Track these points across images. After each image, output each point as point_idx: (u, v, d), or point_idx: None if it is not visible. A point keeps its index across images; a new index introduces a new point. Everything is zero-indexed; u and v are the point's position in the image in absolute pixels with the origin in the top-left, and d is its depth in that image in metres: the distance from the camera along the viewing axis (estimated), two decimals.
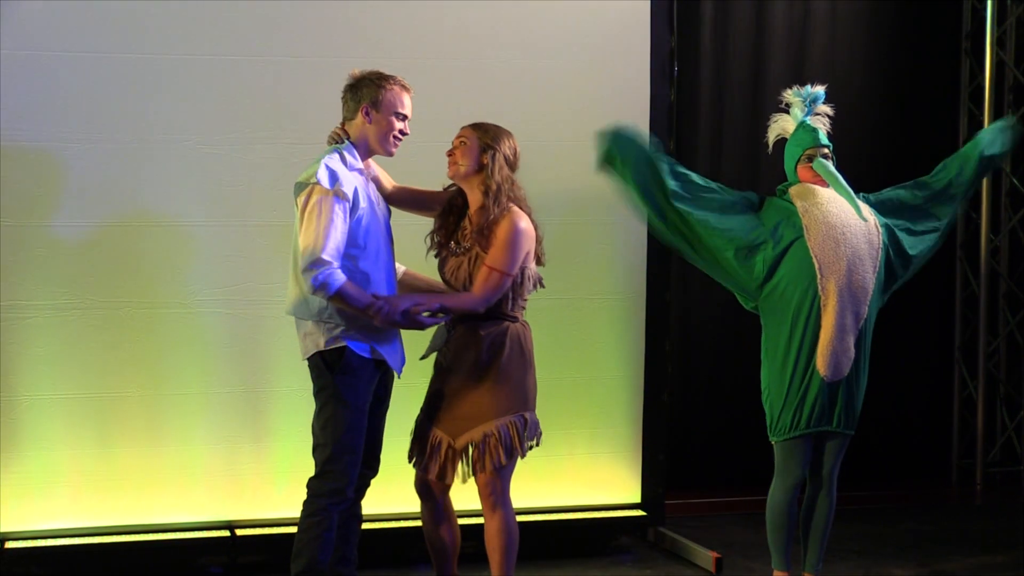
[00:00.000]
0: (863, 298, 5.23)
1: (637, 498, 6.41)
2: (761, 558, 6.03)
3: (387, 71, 4.89)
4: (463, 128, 4.95)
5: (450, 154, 4.93)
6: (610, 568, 6.17)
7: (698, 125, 7.57)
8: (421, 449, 4.96)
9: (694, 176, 5.31)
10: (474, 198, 4.94)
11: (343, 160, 4.78)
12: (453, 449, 4.89)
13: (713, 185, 5.33)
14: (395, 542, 5.87)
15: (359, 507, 4.98)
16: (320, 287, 4.62)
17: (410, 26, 5.97)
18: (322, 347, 4.77)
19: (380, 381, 4.90)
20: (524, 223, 4.87)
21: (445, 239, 4.99)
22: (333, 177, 4.68)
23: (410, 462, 5.00)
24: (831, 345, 5.19)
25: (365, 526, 5.07)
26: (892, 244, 5.34)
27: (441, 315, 4.83)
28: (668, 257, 6.40)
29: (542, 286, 5.05)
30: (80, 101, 5.64)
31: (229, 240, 5.81)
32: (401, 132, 4.87)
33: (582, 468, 6.35)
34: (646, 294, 6.35)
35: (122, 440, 5.76)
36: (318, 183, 4.65)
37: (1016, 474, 8.01)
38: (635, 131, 5.29)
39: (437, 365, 5.00)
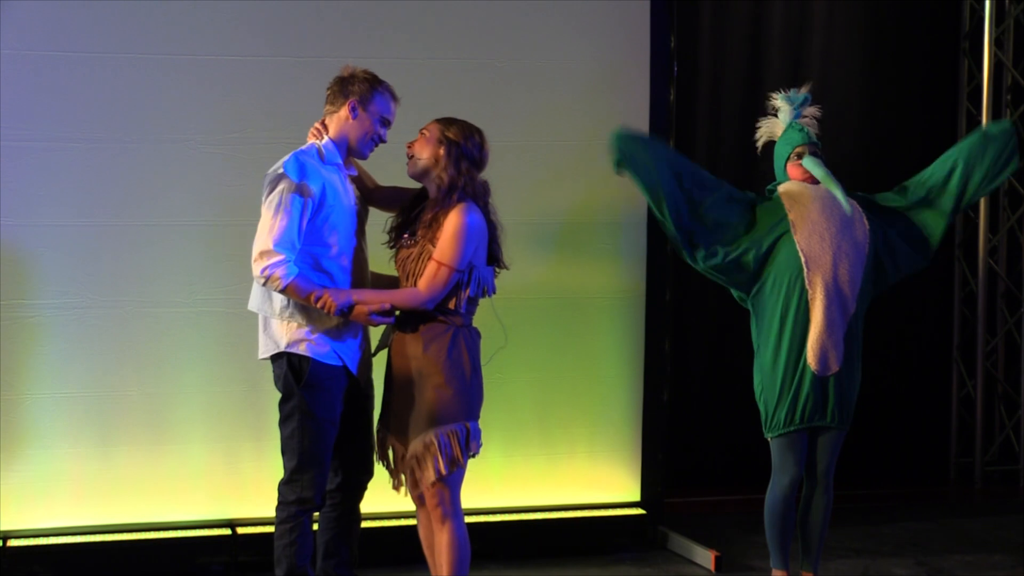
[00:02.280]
0: (850, 293, 5.27)
1: (637, 497, 6.42)
2: (760, 556, 6.05)
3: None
4: (430, 121, 4.84)
5: (409, 146, 4.81)
6: (610, 567, 6.19)
7: (696, 125, 7.58)
8: (383, 454, 4.89)
9: (704, 174, 5.37)
10: (431, 193, 4.81)
11: (319, 155, 4.74)
12: (403, 458, 4.80)
13: (717, 183, 5.39)
14: (395, 541, 5.88)
15: (357, 509, 4.98)
16: (268, 280, 4.60)
17: (410, 26, 5.98)
18: (282, 348, 4.72)
19: (356, 385, 4.84)
20: (474, 217, 4.70)
21: (400, 230, 4.86)
22: (301, 171, 4.64)
23: (381, 464, 4.93)
24: (820, 339, 5.22)
25: (365, 525, 5.08)
26: (883, 241, 5.36)
27: (389, 314, 4.70)
28: (667, 257, 6.42)
29: (490, 293, 4.84)
30: (80, 101, 5.65)
31: (229, 240, 5.81)
32: (381, 138, 4.84)
33: (582, 467, 6.36)
34: (645, 294, 6.36)
35: (123, 439, 5.77)
36: (284, 175, 4.63)
37: (1014, 473, 8.02)
38: (641, 134, 5.33)
39: (387, 365, 4.88)
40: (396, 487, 4.87)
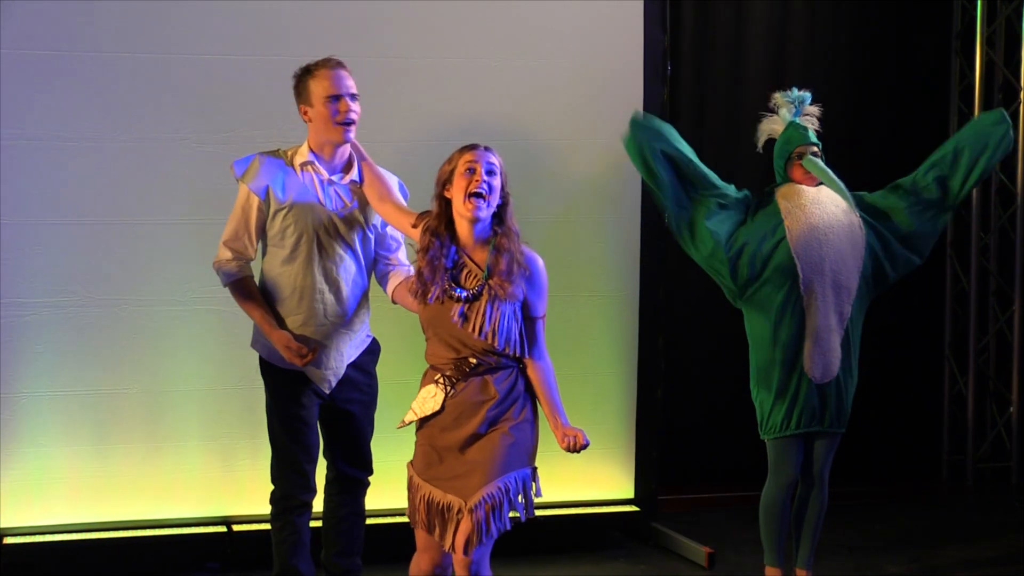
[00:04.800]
0: (847, 298, 5.28)
1: (630, 494, 6.45)
2: (754, 553, 6.06)
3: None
4: (489, 154, 4.32)
5: (480, 189, 4.26)
6: (603, 563, 6.21)
7: (681, 124, 7.59)
8: (428, 515, 4.38)
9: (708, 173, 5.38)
10: (467, 230, 4.33)
11: (285, 156, 4.74)
12: (463, 512, 4.28)
13: (719, 183, 5.40)
14: (397, 538, 5.90)
15: (360, 505, 5.00)
16: (217, 273, 4.77)
17: (406, 26, 6.00)
18: (251, 345, 4.87)
19: (338, 389, 4.83)
20: None
21: (432, 277, 4.33)
22: (246, 166, 4.72)
23: (411, 524, 4.47)
24: (817, 346, 5.23)
25: (370, 522, 5.11)
26: (878, 243, 5.38)
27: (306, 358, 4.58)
28: (661, 254, 6.44)
29: None
30: (76, 100, 5.66)
31: None
32: (343, 114, 4.59)
33: (576, 464, 6.31)
34: (639, 291, 6.39)
35: (120, 437, 5.79)
36: (233, 168, 4.75)
37: (1006, 470, 8.04)
38: (656, 122, 5.34)
39: (435, 424, 4.38)
40: (464, 550, 4.28)
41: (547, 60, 6.21)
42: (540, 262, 4.39)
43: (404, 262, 4.92)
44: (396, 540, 5.83)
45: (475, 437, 4.31)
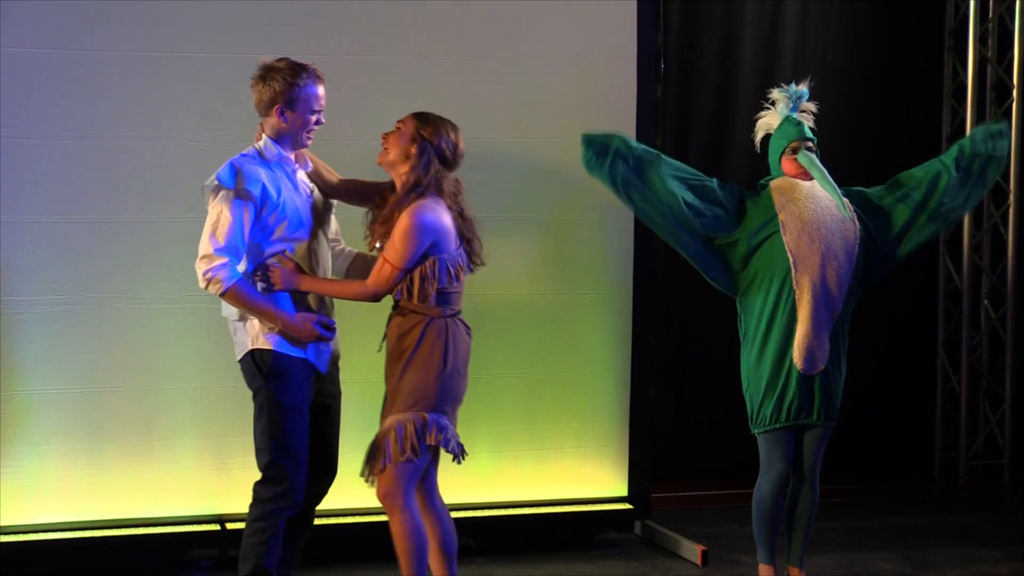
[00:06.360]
0: (838, 293, 5.28)
1: (624, 492, 6.44)
2: (747, 551, 6.07)
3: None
4: (407, 115, 4.83)
5: (385, 138, 4.80)
6: (597, 562, 6.22)
7: (670, 122, 7.60)
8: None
9: (683, 170, 5.37)
10: (397, 187, 4.81)
11: (258, 156, 4.74)
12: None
13: (699, 178, 5.39)
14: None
15: (311, 514, 4.97)
16: (210, 283, 4.62)
17: (402, 25, 6.00)
18: (249, 347, 4.76)
19: (322, 383, 4.85)
20: (426, 215, 4.68)
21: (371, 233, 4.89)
22: (233, 175, 4.65)
23: None
24: (806, 339, 5.24)
25: (319, 522, 5.09)
26: (869, 240, 5.39)
27: (331, 330, 4.77)
28: (655, 252, 6.45)
29: (470, 269, 4.86)
30: (78, 100, 5.65)
31: None
32: (316, 123, 4.78)
33: (569, 462, 6.38)
34: (632, 289, 6.39)
35: (114, 435, 5.78)
36: (219, 183, 4.65)
37: (998, 467, 8.07)
38: (611, 136, 5.32)
39: None
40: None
41: (541, 59, 6.21)
42: (411, 212, 4.66)
43: (341, 240, 5.08)
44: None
45: (387, 374, 4.78)
